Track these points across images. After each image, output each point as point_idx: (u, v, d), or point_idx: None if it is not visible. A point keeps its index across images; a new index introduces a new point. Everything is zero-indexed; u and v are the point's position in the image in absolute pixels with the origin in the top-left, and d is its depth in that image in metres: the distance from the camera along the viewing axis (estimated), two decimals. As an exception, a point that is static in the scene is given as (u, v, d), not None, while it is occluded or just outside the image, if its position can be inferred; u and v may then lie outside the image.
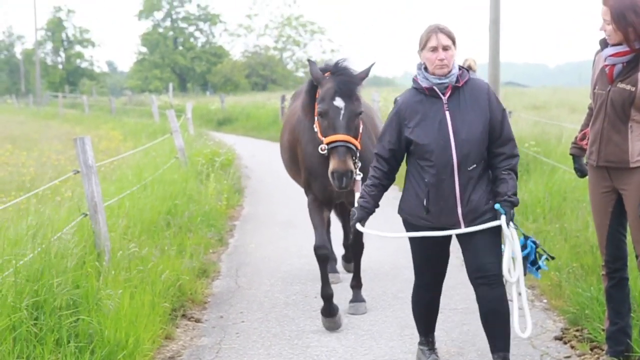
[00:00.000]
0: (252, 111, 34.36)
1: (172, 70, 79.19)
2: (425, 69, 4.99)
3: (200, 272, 8.14)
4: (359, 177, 5.85)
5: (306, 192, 7.02)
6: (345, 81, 6.04)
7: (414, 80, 5.05)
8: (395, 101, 5.12)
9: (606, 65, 5.11)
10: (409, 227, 5.11)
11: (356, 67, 6.38)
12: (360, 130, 6.10)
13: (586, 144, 5.35)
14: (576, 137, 5.57)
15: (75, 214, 7.41)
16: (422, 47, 4.96)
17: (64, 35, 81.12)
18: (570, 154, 5.64)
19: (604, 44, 5.10)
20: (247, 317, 6.95)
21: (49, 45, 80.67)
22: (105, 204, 7.55)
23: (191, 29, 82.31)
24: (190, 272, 7.71)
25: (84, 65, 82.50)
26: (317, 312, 6.87)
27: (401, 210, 5.13)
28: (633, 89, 4.91)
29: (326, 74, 6.21)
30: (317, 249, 6.66)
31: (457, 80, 4.94)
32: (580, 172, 5.57)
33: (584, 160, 5.43)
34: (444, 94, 4.93)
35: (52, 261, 5.63)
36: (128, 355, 5.29)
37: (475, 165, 4.89)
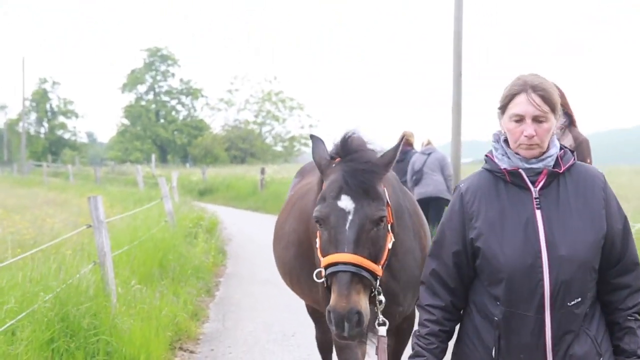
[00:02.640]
0: (232, 182, 35.67)
1: (153, 142, 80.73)
2: (507, 141, 3.41)
3: (193, 315, 9.32)
4: (382, 329, 3.78)
5: (313, 319, 5.63)
6: (357, 170, 3.85)
7: (488, 158, 3.47)
8: (457, 188, 3.53)
9: None
10: None
11: (376, 140, 4.33)
12: (388, 245, 3.90)
13: None
14: None
15: (86, 262, 8.60)
16: (503, 109, 3.37)
17: (48, 106, 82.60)
18: None
19: None
20: (234, 350, 8.14)
21: (33, 116, 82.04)
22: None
23: (173, 102, 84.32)
24: (185, 313, 8.90)
25: (66, 135, 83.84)
26: (294, 346, 8.08)
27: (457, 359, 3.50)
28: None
29: (337, 159, 4.05)
30: None
31: (557, 164, 3.35)
32: None
33: None
34: (534, 184, 3.32)
35: (73, 295, 6.82)
36: (140, 369, 6.47)
37: (579, 300, 3.23)
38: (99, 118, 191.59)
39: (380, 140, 4.65)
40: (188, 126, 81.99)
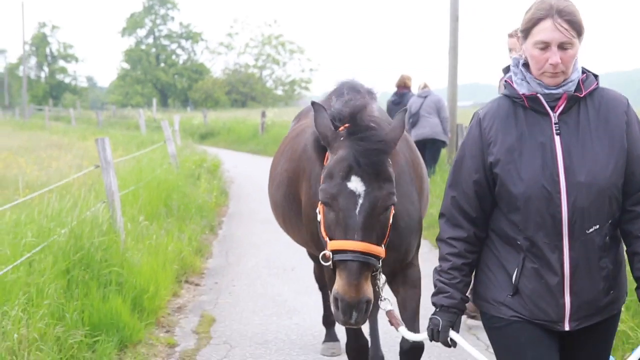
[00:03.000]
0: (233, 126, 35.97)
1: (153, 86, 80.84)
2: (526, 65, 3.27)
3: (197, 251, 9.78)
4: (388, 306, 3.70)
5: (311, 257, 5.61)
6: (370, 150, 3.67)
7: (507, 84, 3.34)
8: (475, 115, 3.40)
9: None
10: (490, 321, 3.35)
11: (374, 86, 4.47)
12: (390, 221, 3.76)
13: None
14: None
15: (95, 201, 9.02)
16: (526, 33, 3.19)
17: (47, 50, 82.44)
18: None
19: (507, 70, 6.57)
20: (237, 283, 8.61)
21: (33, 60, 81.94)
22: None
23: (173, 46, 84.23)
24: (190, 249, 9.36)
25: (67, 80, 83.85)
26: (293, 279, 8.55)
27: (477, 296, 3.40)
28: None
29: (340, 129, 3.86)
30: (351, 350, 4.93)
31: (578, 88, 3.21)
32: None
33: None
34: (554, 109, 3.20)
35: (86, 230, 7.24)
36: (150, 298, 6.94)
37: (597, 227, 3.14)
38: (98, 62, 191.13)
39: (378, 85, 4.78)
40: (188, 70, 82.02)
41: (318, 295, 6.69)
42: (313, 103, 3.97)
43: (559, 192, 3.10)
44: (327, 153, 3.90)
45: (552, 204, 3.10)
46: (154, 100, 55.24)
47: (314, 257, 5.73)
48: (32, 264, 6.36)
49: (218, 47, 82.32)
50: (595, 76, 3.28)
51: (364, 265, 3.54)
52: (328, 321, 6.34)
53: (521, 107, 3.24)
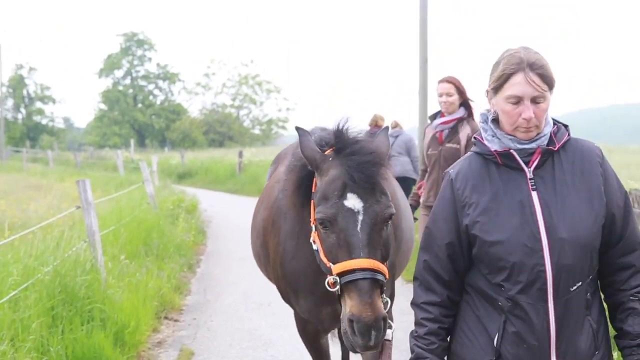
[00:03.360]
0: (210, 166, 36.30)
1: (131, 126, 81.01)
2: (496, 121, 3.20)
3: (176, 288, 10.08)
4: (390, 335, 3.50)
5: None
6: (363, 163, 3.61)
7: (477, 141, 3.25)
8: (446, 175, 3.31)
9: (437, 132, 7.10)
10: None
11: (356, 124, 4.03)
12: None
13: (421, 192, 7.34)
14: (414, 191, 7.56)
15: (76, 241, 9.31)
16: (496, 87, 3.11)
17: (25, 92, 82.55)
18: (410, 204, 6.81)
19: (433, 117, 7.25)
20: (214, 318, 8.92)
21: (10, 102, 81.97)
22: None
23: (150, 87, 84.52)
24: (169, 286, 9.66)
25: (44, 121, 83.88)
26: (269, 314, 8.86)
27: (455, 356, 3.24)
28: (458, 146, 6.92)
29: (327, 151, 3.80)
30: None
31: (551, 142, 3.14)
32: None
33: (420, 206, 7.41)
34: (528, 164, 3.12)
35: (70, 269, 7.54)
36: (131, 333, 7.24)
37: (580, 284, 3.05)
38: (75, 103, 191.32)
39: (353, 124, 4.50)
40: (166, 110, 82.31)
41: (293, 328, 6.94)
42: (297, 128, 3.85)
43: (542, 250, 2.98)
44: (314, 179, 3.81)
45: (535, 263, 2.97)
46: (132, 141, 55.47)
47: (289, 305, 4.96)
48: (17, 301, 6.65)
49: (195, 87, 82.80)
50: (566, 127, 3.20)
51: (375, 283, 3.39)
52: None
53: (494, 164, 3.15)
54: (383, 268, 3.45)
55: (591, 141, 3.26)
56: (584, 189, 3.07)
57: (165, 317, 8.85)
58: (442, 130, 7.07)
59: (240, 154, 33.25)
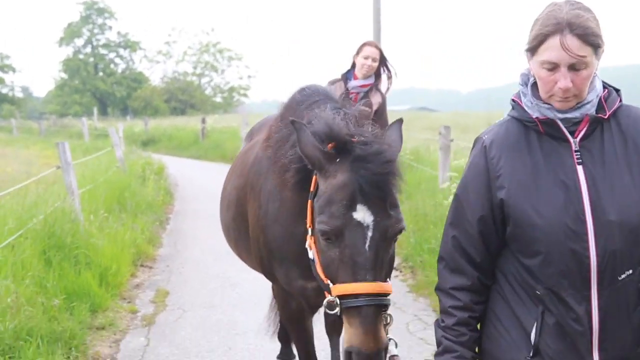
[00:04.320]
0: (173, 133, 37.01)
1: (92, 95, 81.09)
2: (536, 85, 2.82)
3: (149, 240, 11.05)
4: (395, 349, 3.17)
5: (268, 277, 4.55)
6: (378, 174, 3.16)
7: (515, 104, 2.90)
8: (478, 140, 2.96)
9: (351, 93, 6.94)
10: None
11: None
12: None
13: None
14: None
15: (58, 198, 10.22)
16: (531, 48, 2.74)
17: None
18: None
19: (345, 76, 7.02)
20: (185, 266, 9.93)
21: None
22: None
23: (111, 55, 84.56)
24: (143, 237, 10.63)
25: (4, 90, 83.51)
26: (234, 262, 9.87)
27: (485, 354, 2.96)
28: (369, 110, 6.75)
29: (329, 146, 3.31)
30: None
31: (601, 108, 2.79)
32: None
33: None
34: (573, 134, 2.77)
35: (58, 219, 8.47)
36: (113, 274, 8.24)
37: (630, 272, 2.72)
38: (33, 72, 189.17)
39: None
40: (127, 79, 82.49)
41: (255, 283, 7.93)
42: (293, 121, 3.34)
43: (586, 234, 2.64)
44: (314, 177, 3.38)
45: (579, 248, 2.64)
46: (95, 109, 55.82)
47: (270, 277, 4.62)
48: (14, 246, 7.57)
49: (156, 55, 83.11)
50: (617, 91, 2.84)
51: (379, 309, 3.06)
52: (282, 337, 5.90)
53: (534, 132, 2.79)
54: (388, 288, 3.10)
55: None
56: (637, 164, 2.71)
57: (141, 265, 9.82)
58: (357, 93, 7.08)
59: (203, 121, 34.02)
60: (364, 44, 7.10)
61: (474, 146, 2.97)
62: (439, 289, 2.99)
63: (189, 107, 74.20)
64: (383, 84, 7.20)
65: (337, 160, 3.23)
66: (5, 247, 7.31)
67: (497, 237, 2.86)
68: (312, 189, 3.42)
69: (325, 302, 3.13)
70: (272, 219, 4.02)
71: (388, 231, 3.14)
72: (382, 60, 7.10)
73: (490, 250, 2.89)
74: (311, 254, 3.34)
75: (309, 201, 3.42)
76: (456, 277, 2.92)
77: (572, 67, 2.64)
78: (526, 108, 2.82)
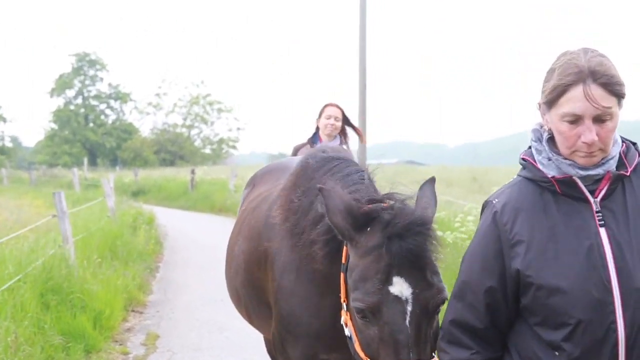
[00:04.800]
0: (163, 183, 37.54)
1: (82, 145, 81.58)
2: (552, 140, 2.65)
3: (140, 287, 11.44)
4: None
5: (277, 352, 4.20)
6: (412, 242, 2.91)
7: (528, 163, 2.71)
8: (488, 205, 2.76)
9: None
10: None
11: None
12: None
13: None
14: None
15: (54, 245, 10.64)
16: (549, 101, 2.56)
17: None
18: None
19: (312, 140, 7.01)
20: (175, 312, 10.32)
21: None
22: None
23: (102, 106, 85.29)
24: (134, 284, 11.04)
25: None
26: (222, 308, 10.29)
27: None
28: None
29: (361, 208, 3.10)
30: None
31: (621, 164, 2.60)
32: None
33: None
34: (593, 193, 2.58)
35: (55, 264, 8.89)
36: (107, 318, 8.62)
37: None
38: (23, 122, 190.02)
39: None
40: (117, 130, 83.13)
41: (244, 329, 8.36)
42: (321, 189, 3.10)
43: (613, 303, 2.42)
44: (345, 248, 3.16)
45: (604, 319, 2.42)
46: (85, 160, 56.27)
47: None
48: (13, 290, 7.97)
49: (147, 107, 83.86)
50: (634, 144, 2.66)
51: None
52: None
53: (550, 192, 2.60)
54: None
55: None
56: None
57: (132, 310, 10.21)
58: None
59: (193, 172, 34.52)
60: (325, 105, 7.14)
61: (482, 211, 2.79)
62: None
63: (178, 159, 74.74)
64: (351, 142, 7.22)
65: (368, 229, 2.99)
66: (5, 290, 7.71)
67: (507, 310, 2.65)
68: (343, 260, 3.17)
69: None
70: (288, 293, 3.71)
71: (430, 303, 2.87)
72: (345, 119, 7.14)
73: (498, 324, 2.67)
74: (347, 331, 3.10)
75: (342, 274, 3.17)
76: (455, 350, 2.73)
77: (597, 119, 2.45)
78: (541, 167, 2.62)
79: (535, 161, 2.66)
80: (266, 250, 3.97)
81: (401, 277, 2.87)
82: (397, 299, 2.85)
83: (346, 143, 7.21)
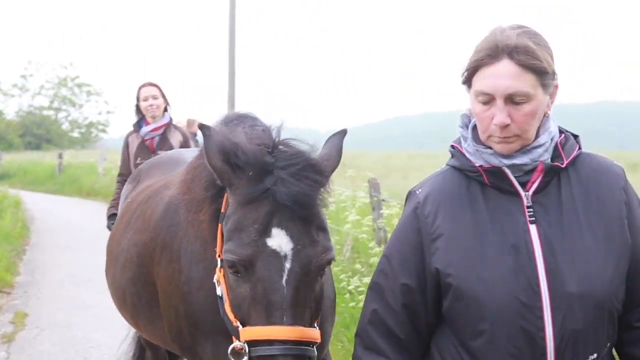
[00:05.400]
0: (29, 167, 36.73)
1: (-58, 128, 78.27)
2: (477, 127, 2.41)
3: (7, 268, 11.57)
4: None
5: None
6: (300, 194, 2.56)
7: (456, 151, 2.50)
8: (411, 195, 2.54)
9: (147, 140, 6.69)
10: None
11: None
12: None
13: None
14: (116, 200, 6.40)
15: None
16: (466, 80, 2.40)
17: None
18: (112, 215, 6.33)
19: (137, 125, 6.79)
20: (43, 292, 10.55)
21: None
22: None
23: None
24: (1, 266, 11.18)
25: None
26: (90, 287, 10.60)
27: None
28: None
29: (243, 148, 2.66)
30: None
31: (557, 156, 2.39)
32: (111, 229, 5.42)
33: None
34: (525, 186, 2.37)
35: None
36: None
37: (594, 357, 2.31)
38: None
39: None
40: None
41: (109, 305, 8.72)
42: (202, 126, 2.70)
43: (541, 308, 2.24)
44: (225, 195, 2.76)
45: (531, 326, 2.24)
46: (-54, 143, 54.17)
47: (151, 346, 4.60)
48: None
49: (11, 89, 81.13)
50: (575, 137, 2.44)
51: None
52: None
53: (478, 183, 2.39)
54: (312, 335, 2.51)
55: (609, 158, 2.49)
56: (601, 224, 2.32)
57: (0, 291, 10.36)
58: (152, 138, 6.80)
59: (60, 155, 33.98)
60: (140, 88, 6.91)
61: (406, 201, 2.54)
62: None
63: (44, 142, 72.80)
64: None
65: (250, 173, 2.59)
66: None
67: (426, 312, 2.41)
68: (222, 209, 2.77)
69: (230, 349, 2.54)
70: (198, 286, 3.24)
71: (312, 262, 2.54)
72: (165, 96, 6.92)
73: (418, 329, 2.43)
74: (219, 290, 2.72)
75: (219, 225, 2.77)
76: (373, 357, 2.45)
77: (511, 100, 2.25)
78: (468, 155, 2.41)
79: (463, 149, 2.45)
80: (166, 239, 3.51)
81: (281, 229, 2.53)
82: (275, 253, 2.51)
83: (174, 122, 7.06)
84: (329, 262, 2.62)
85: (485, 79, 2.27)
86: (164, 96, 6.91)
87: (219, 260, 2.75)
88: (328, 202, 2.73)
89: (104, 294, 9.56)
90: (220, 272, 2.72)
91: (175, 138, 6.82)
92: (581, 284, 2.24)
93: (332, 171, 2.72)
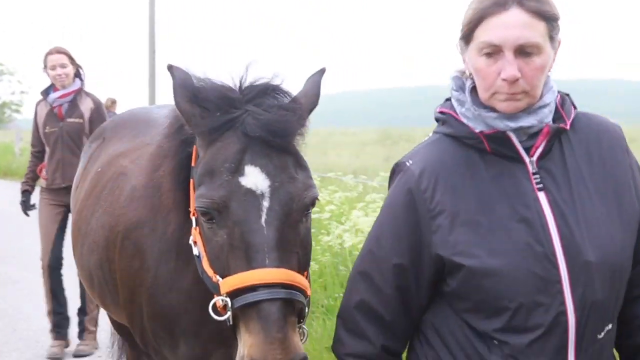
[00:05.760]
0: (-63, 148, 35.92)
1: None
2: (476, 90, 2.22)
3: None
4: None
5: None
6: (273, 122, 2.37)
7: (449, 117, 2.29)
8: (400, 167, 2.31)
9: (55, 107, 6.54)
10: None
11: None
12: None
13: (45, 177, 6.62)
14: (28, 176, 6.80)
15: None
16: (466, 35, 2.20)
17: None
18: (25, 191, 6.78)
19: (45, 92, 6.63)
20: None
21: None
22: None
23: None
24: None
25: None
26: (14, 264, 10.76)
27: None
28: (81, 120, 6.52)
29: (213, 85, 2.50)
30: None
31: (559, 117, 2.23)
32: (26, 207, 6.86)
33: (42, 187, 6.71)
34: (529, 151, 2.20)
35: None
36: None
37: (609, 327, 2.21)
38: None
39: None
40: None
41: (37, 270, 7.98)
42: (170, 67, 2.52)
43: (560, 281, 2.10)
44: (194, 147, 2.58)
45: (550, 301, 2.09)
46: None
47: (123, 334, 4.35)
48: None
49: None
50: (567, 96, 2.31)
51: (288, 306, 2.24)
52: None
53: (476, 151, 2.21)
54: (301, 281, 2.31)
55: (606, 117, 2.36)
56: (609, 188, 2.20)
57: None
58: (60, 105, 6.65)
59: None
60: (46, 55, 6.68)
61: (392, 175, 2.33)
62: (334, 352, 2.40)
63: (-46, 122, 70.87)
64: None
65: (218, 114, 2.39)
66: None
67: (419, 295, 2.25)
68: (193, 163, 2.57)
69: (210, 305, 2.33)
70: (167, 287, 2.98)
71: (294, 200, 2.35)
72: (74, 62, 6.74)
73: (409, 312, 2.28)
74: (196, 250, 2.50)
75: (191, 180, 2.58)
76: (354, 340, 2.30)
77: (521, 52, 2.08)
78: (465, 120, 2.21)
79: (458, 114, 2.24)
80: (130, 228, 3.18)
81: (255, 166, 2.33)
82: (250, 192, 2.30)
83: (84, 89, 6.82)
84: (312, 201, 2.40)
85: (493, 30, 2.08)
86: (73, 62, 6.71)
87: (193, 219, 2.54)
88: (305, 139, 2.51)
89: (29, 270, 9.86)
90: (196, 230, 2.51)
91: (85, 104, 6.68)
92: (598, 253, 2.11)
93: (311, 109, 2.54)
